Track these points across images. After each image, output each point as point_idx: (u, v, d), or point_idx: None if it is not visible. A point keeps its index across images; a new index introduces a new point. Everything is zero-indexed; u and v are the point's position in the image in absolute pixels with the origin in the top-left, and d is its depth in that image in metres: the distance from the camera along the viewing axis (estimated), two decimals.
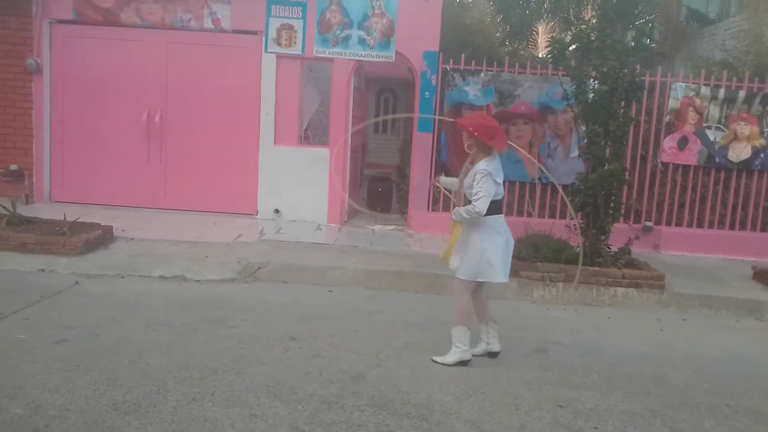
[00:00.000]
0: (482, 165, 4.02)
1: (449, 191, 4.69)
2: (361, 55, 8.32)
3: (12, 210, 6.63)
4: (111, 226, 6.91)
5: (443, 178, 4.69)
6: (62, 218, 6.67)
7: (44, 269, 5.86)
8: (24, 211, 7.19)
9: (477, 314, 4.35)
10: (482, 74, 8.25)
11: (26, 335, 4.19)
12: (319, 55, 8.32)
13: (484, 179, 3.97)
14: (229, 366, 3.89)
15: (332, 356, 4.20)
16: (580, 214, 6.60)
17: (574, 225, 6.72)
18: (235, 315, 4.93)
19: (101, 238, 6.60)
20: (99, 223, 6.87)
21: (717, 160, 8.33)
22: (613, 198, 6.53)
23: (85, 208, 7.97)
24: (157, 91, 8.48)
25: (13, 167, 8.46)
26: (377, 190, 9.67)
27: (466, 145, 4.17)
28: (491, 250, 4.09)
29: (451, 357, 4.15)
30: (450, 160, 8.34)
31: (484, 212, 3.98)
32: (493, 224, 4.11)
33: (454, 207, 4.34)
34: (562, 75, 7.13)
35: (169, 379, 3.63)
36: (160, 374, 3.69)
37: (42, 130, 8.51)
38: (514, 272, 6.28)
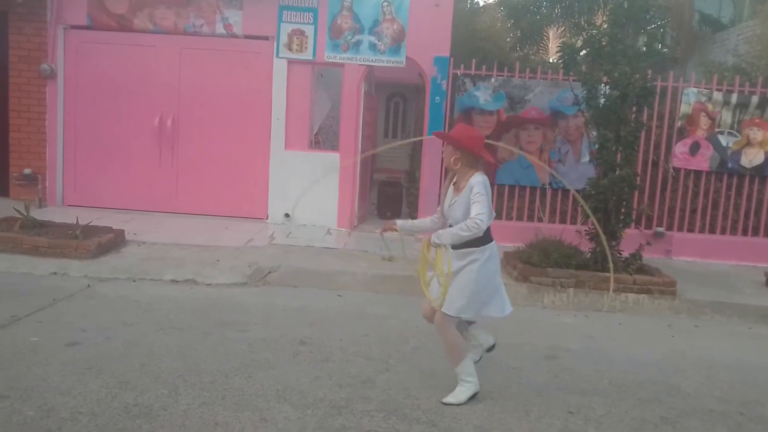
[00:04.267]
0: (478, 177, 3.53)
1: (412, 234, 4.01)
2: (372, 61, 8.35)
3: (25, 213, 6.70)
4: (123, 230, 6.96)
5: (401, 222, 3.87)
6: (75, 222, 6.73)
7: (57, 272, 5.91)
8: (37, 214, 7.26)
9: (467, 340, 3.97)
10: (493, 79, 8.25)
11: (39, 338, 4.23)
12: (330, 60, 8.36)
13: (484, 191, 3.48)
14: (240, 370, 3.91)
15: (342, 361, 4.20)
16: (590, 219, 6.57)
17: (585, 230, 6.69)
18: (245, 319, 4.95)
19: (113, 241, 6.64)
20: (111, 227, 6.92)
21: (729, 165, 8.28)
22: (624, 203, 6.50)
23: (97, 212, 8.03)
24: (170, 96, 8.54)
25: (27, 171, 8.55)
26: (387, 195, 9.68)
27: (451, 160, 3.62)
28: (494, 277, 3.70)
29: (464, 393, 3.67)
30: None
31: (485, 227, 3.45)
32: (494, 251, 3.66)
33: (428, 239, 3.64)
34: (573, 80, 7.12)
35: (180, 383, 3.65)
36: (171, 378, 3.71)
37: (55, 134, 8.60)
38: (524, 278, 6.32)
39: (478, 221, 3.39)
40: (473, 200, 3.45)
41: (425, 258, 3.70)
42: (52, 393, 3.40)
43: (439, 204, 3.85)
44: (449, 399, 3.65)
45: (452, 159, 3.61)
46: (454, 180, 3.70)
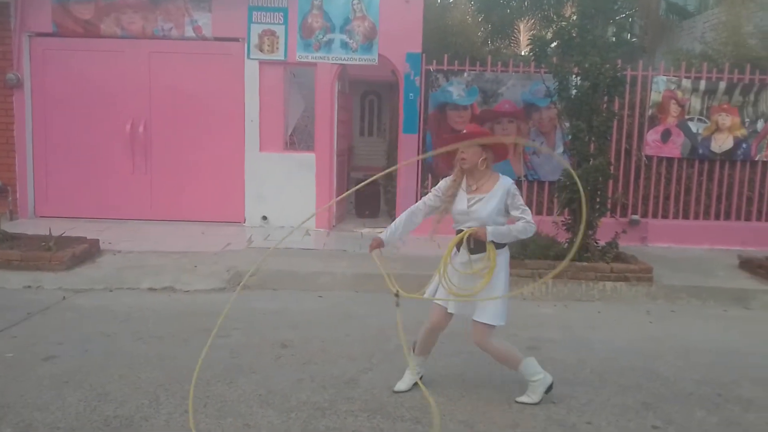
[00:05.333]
0: (509, 180, 3.59)
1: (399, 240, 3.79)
2: (344, 59, 8.32)
3: None
4: (97, 240, 6.86)
5: (386, 236, 3.65)
6: (47, 233, 6.61)
7: (30, 286, 5.81)
8: (8, 227, 7.13)
9: (428, 346, 3.80)
10: (465, 74, 8.28)
11: (14, 353, 4.15)
12: (302, 60, 8.32)
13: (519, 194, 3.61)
14: (221, 376, 3.87)
15: (324, 362, 4.19)
16: (566, 209, 6.64)
17: (562, 221, 6.76)
18: (225, 324, 4.86)
19: (88, 251, 6.54)
20: (85, 237, 6.82)
21: (700, 151, 8.41)
22: (599, 193, 6.57)
23: (70, 222, 7.91)
24: (140, 101, 8.43)
25: None
26: (364, 194, 9.67)
27: (478, 161, 3.51)
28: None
29: (537, 391, 3.63)
30: (436, 161, 8.35)
31: None
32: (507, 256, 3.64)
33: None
34: (545, 72, 7.17)
35: (161, 392, 3.61)
36: (152, 387, 3.67)
37: (24, 144, 8.44)
38: None
39: (532, 223, 3.50)
40: (519, 206, 3.52)
41: (449, 254, 3.56)
42: (30, 409, 3.34)
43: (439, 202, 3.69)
44: (523, 398, 3.63)
45: (480, 159, 3.52)
46: (464, 182, 3.59)
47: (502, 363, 3.70)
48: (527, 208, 3.55)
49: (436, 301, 3.65)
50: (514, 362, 3.64)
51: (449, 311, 3.62)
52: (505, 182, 3.56)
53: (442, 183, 3.70)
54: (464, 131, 3.67)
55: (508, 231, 3.48)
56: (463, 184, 3.60)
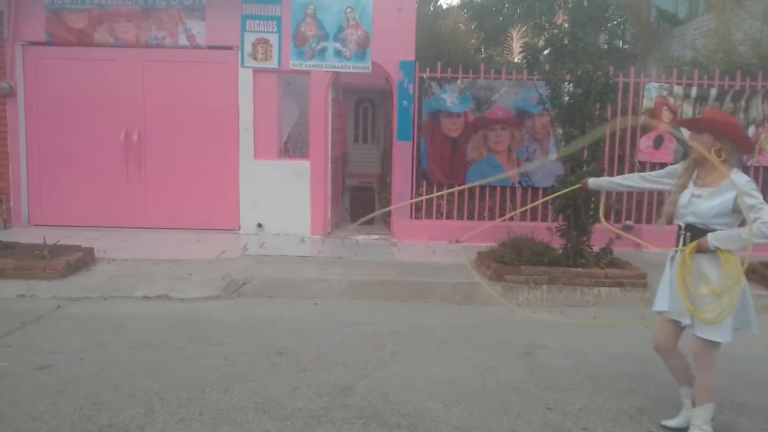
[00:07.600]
0: (744, 176, 3.19)
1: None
2: (338, 67, 8.35)
3: None
4: (92, 248, 6.84)
5: (593, 180, 3.91)
6: (42, 242, 6.59)
7: (25, 294, 5.78)
8: (2, 236, 7.10)
9: (678, 371, 3.59)
10: (459, 81, 8.32)
11: (8, 363, 4.13)
12: (296, 68, 8.34)
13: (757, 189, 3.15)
14: (217, 384, 3.87)
15: (320, 369, 4.19)
16: (560, 215, 6.67)
17: (556, 227, 6.78)
18: (220, 332, 4.90)
19: (82, 260, 6.52)
20: (80, 245, 6.79)
21: None
22: (592, 199, 6.60)
23: (65, 231, 7.88)
24: (134, 109, 8.43)
25: None
26: (359, 200, 9.69)
27: (711, 152, 3.18)
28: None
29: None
30: (430, 168, 8.39)
31: None
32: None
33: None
34: (537, 80, 7.21)
35: (156, 401, 3.60)
36: (147, 396, 3.66)
37: (18, 153, 8.42)
38: (498, 277, 6.37)
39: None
40: (753, 205, 3.04)
41: (688, 267, 3.27)
42: (24, 419, 3.33)
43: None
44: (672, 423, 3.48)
45: (711, 150, 3.20)
46: (695, 174, 3.36)
47: (700, 390, 3.37)
48: (766, 205, 3.03)
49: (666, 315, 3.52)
50: (710, 396, 3.34)
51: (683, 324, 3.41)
52: (738, 180, 3.11)
53: (671, 168, 3.55)
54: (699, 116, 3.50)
55: (737, 235, 3.07)
56: (694, 176, 3.36)
